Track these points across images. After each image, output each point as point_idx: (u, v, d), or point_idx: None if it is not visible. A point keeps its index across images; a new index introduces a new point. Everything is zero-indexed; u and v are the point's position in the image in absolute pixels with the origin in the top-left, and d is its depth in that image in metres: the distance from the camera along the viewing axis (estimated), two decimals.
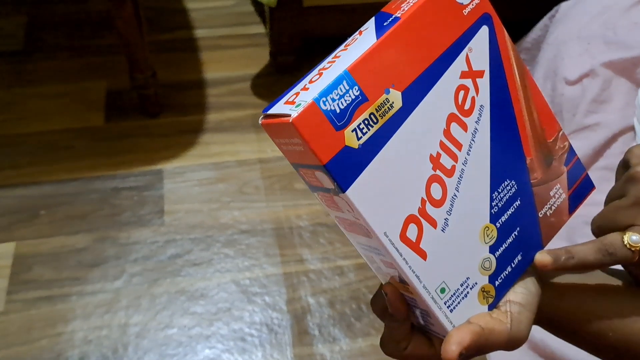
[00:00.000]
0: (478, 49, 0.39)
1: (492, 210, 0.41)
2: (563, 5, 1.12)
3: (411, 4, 0.37)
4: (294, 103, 0.35)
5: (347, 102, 0.35)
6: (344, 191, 0.35)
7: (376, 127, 0.36)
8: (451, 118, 0.38)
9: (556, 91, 1.03)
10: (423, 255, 0.38)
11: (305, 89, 0.35)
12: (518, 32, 1.30)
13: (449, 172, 0.38)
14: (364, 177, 0.36)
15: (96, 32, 1.48)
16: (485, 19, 0.39)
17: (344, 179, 0.35)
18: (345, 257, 1.09)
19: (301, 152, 0.35)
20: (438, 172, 0.38)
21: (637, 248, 0.39)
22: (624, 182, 0.42)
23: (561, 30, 1.07)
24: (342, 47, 0.38)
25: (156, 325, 1.00)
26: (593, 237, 1.05)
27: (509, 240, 0.42)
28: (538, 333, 0.91)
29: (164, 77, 1.36)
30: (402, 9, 0.37)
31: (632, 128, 0.96)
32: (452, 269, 0.39)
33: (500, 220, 0.41)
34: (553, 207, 0.44)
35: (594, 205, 1.02)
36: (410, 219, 0.37)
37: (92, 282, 1.04)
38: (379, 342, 0.42)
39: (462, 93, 0.39)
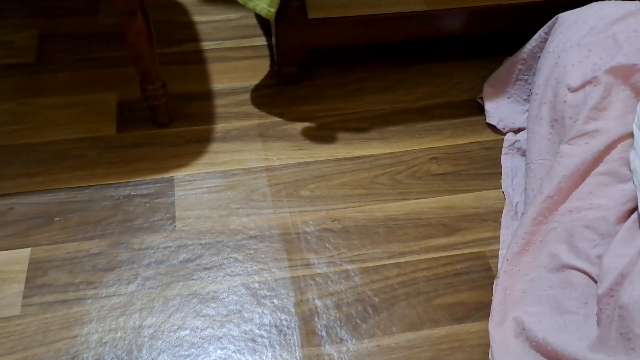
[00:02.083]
0: None
1: None
2: (562, 15, 1.15)
3: None
4: None
5: None
6: None
7: None
8: None
9: (558, 98, 1.06)
10: None
11: None
12: (514, 43, 1.34)
13: None
14: None
15: (107, 44, 1.52)
16: None
17: None
18: (351, 262, 1.13)
19: None
20: None
21: None
22: None
23: (561, 39, 1.10)
24: None
25: (169, 327, 1.03)
26: (592, 241, 1.09)
27: None
28: (540, 333, 0.94)
29: (173, 89, 1.40)
30: None
31: (630, 135, 0.98)
32: None
33: None
34: None
35: (592, 209, 1.06)
36: None
37: (107, 286, 1.07)
38: None
39: None
